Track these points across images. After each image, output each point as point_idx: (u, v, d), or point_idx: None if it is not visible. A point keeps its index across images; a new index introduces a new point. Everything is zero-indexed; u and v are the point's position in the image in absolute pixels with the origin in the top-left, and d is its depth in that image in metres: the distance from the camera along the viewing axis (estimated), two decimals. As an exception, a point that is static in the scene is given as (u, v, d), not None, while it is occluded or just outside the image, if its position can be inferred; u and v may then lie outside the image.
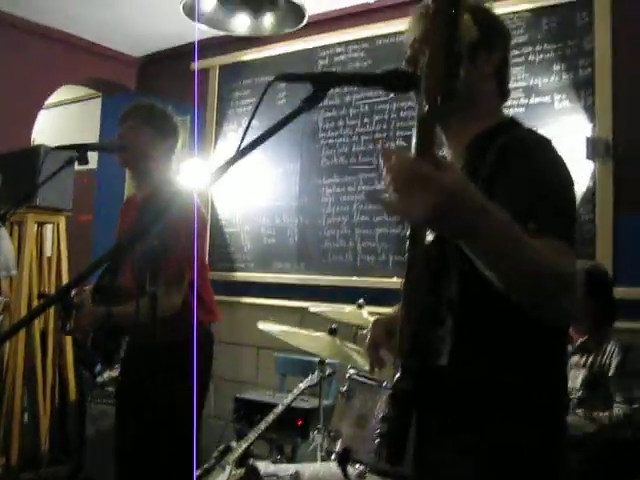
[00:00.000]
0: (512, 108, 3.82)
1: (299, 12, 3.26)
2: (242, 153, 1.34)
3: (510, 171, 1.34)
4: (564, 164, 1.40)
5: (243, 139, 1.38)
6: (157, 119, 2.83)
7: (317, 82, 1.35)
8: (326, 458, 2.79)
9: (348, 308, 3.43)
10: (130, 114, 2.83)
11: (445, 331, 1.42)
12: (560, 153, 1.41)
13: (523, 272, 1.16)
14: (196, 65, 5.00)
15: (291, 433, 3.58)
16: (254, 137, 1.34)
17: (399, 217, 1.07)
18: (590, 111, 3.61)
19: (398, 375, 1.38)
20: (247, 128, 1.38)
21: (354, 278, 4.27)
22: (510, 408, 1.37)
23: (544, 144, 1.41)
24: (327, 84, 1.35)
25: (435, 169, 1.02)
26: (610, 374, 2.88)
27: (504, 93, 1.60)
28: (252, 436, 3.29)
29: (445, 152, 1.60)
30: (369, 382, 2.55)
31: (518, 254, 1.14)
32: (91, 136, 5.62)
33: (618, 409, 2.79)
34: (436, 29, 1.02)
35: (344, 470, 2.44)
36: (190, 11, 3.27)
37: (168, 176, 2.88)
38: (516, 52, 3.85)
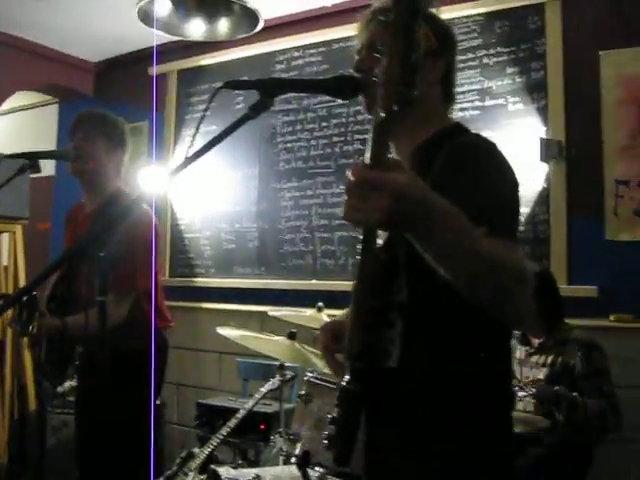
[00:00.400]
0: (467, 111, 3.88)
1: (254, 17, 3.28)
2: (191, 159, 1.34)
3: (457, 178, 1.34)
4: (509, 167, 1.42)
5: (192, 145, 1.39)
6: (109, 129, 2.84)
7: (263, 89, 1.36)
8: (287, 461, 2.80)
9: (308, 311, 3.44)
10: (82, 123, 2.82)
11: (394, 333, 1.44)
12: (505, 156, 1.42)
13: (479, 267, 1.15)
14: (154, 70, 4.96)
15: (254, 437, 3.58)
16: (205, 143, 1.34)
17: (356, 224, 1.07)
18: (543, 113, 3.67)
19: (347, 378, 1.39)
20: (195, 135, 1.39)
21: (314, 281, 4.29)
22: (459, 407, 1.39)
23: (489, 149, 1.43)
24: (273, 91, 1.37)
25: (386, 171, 1.02)
26: (576, 373, 2.93)
27: (450, 98, 1.63)
28: (214, 442, 3.29)
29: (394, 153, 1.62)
30: (327, 385, 2.56)
31: (473, 248, 1.14)
32: (48, 143, 5.56)
33: (600, 401, 2.87)
34: (394, 38, 1.03)
35: (304, 473, 2.45)
36: (145, 17, 3.26)
37: (119, 186, 2.89)
38: (470, 55, 3.91)
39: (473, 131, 1.56)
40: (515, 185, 1.41)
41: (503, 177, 1.39)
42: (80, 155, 2.75)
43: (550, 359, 3.03)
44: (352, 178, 1.03)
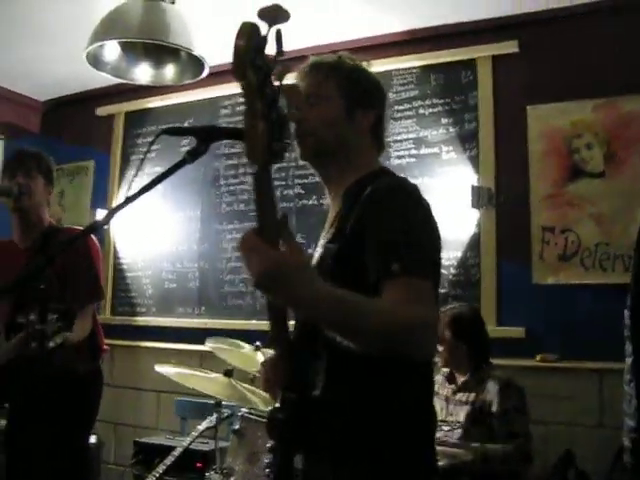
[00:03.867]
0: (404, 158, 4.05)
1: (200, 64, 3.39)
2: (130, 199, 1.43)
3: (373, 220, 1.46)
4: (425, 207, 1.51)
5: (132, 187, 1.48)
6: (45, 167, 2.96)
7: (199, 136, 1.47)
8: (221, 497, 2.84)
9: (246, 346, 3.48)
10: (23, 161, 2.90)
11: (320, 366, 1.53)
12: (423, 197, 1.52)
13: (364, 337, 1.30)
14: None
15: (191, 476, 3.59)
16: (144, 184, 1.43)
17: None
18: (475, 162, 3.86)
19: (275, 406, 1.48)
20: (135, 176, 1.49)
21: (253, 321, 4.34)
22: (379, 439, 1.47)
23: (405, 190, 1.52)
24: (209, 138, 1.47)
25: (264, 241, 1.19)
26: (493, 410, 3.03)
27: (380, 146, 1.75)
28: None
29: (327, 200, 1.74)
30: (261, 419, 2.63)
31: (356, 324, 1.28)
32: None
33: (507, 444, 2.93)
34: (250, 101, 1.18)
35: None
36: (94, 60, 3.35)
37: (51, 221, 3.01)
38: (407, 105, 4.10)
39: (409, 177, 1.67)
40: (430, 223, 1.51)
41: (417, 217, 1.48)
42: (24, 192, 2.82)
43: (472, 397, 3.13)
44: (242, 241, 1.21)
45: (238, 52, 1.20)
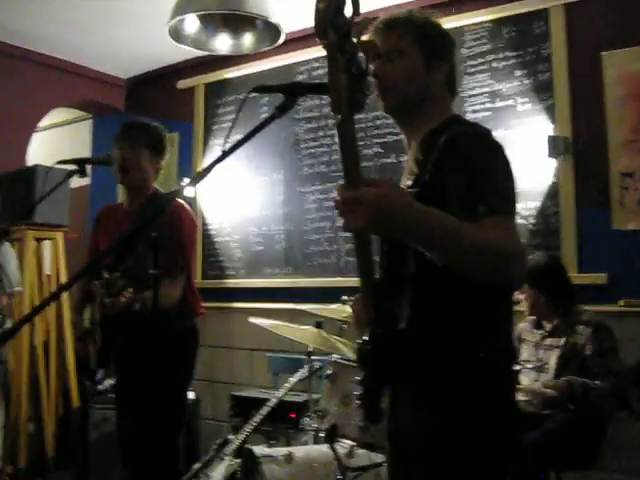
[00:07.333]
0: (479, 112, 4.10)
1: (276, 31, 3.51)
2: (224, 155, 1.58)
3: (453, 165, 1.57)
4: (500, 149, 1.62)
5: (226, 142, 1.63)
6: (153, 139, 3.08)
7: (287, 92, 1.61)
8: (317, 438, 3.01)
9: (333, 306, 3.64)
10: (128, 134, 3.05)
11: (405, 300, 1.66)
12: (496, 141, 1.63)
13: (466, 257, 1.41)
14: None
15: (285, 425, 3.77)
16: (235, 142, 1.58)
17: (353, 232, 1.41)
18: (550, 112, 3.88)
19: (362, 339, 1.61)
20: (229, 133, 1.63)
21: (338, 278, 4.48)
22: (460, 362, 1.59)
23: (479, 136, 1.64)
24: (295, 93, 1.61)
25: (359, 189, 1.34)
26: (588, 353, 3.08)
27: (453, 93, 1.86)
28: (248, 428, 3.50)
29: (407, 146, 1.85)
30: (352, 365, 2.77)
31: (457, 243, 1.40)
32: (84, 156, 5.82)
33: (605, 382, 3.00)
34: (332, 57, 1.32)
35: (332, 445, 2.66)
36: (176, 34, 3.52)
37: (156, 187, 3.16)
38: (480, 60, 4.13)
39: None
40: (506, 165, 1.61)
41: (494, 159, 1.59)
42: (128, 167, 3.00)
43: (562, 341, 3.18)
44: (338, 198, 1.37)
45: (319, 13, 1.33)
